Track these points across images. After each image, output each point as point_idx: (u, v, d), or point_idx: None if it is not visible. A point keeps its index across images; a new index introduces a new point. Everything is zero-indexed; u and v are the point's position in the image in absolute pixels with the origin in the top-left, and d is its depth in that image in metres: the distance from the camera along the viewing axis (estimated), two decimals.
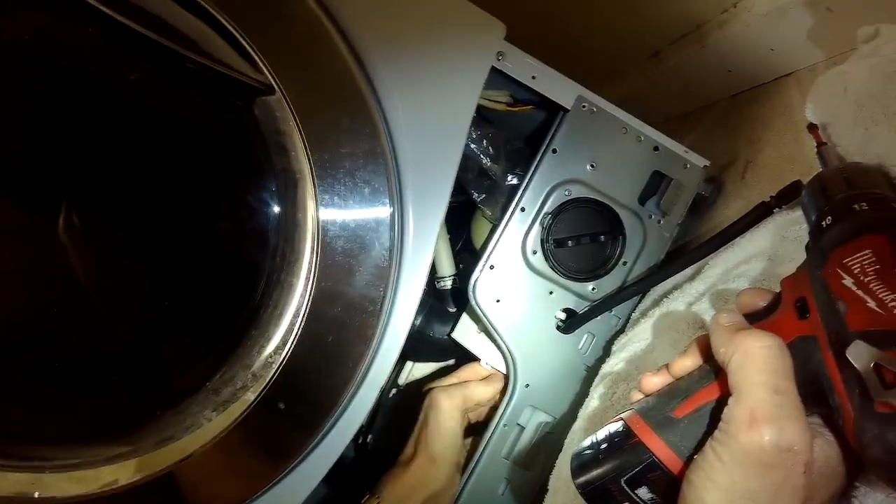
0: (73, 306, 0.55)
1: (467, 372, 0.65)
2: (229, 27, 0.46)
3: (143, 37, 0.43)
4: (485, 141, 0.63)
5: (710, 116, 0.76)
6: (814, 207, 0.36)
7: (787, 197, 0.49)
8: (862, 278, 0.30)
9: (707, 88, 0.76)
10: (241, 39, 0.46)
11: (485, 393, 0.62)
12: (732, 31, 0.61)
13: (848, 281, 0.30)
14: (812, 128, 0.43)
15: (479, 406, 0.64)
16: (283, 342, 0.49)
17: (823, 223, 0.34)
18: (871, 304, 0.28)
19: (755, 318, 0.36)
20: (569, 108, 0.59)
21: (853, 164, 0.39)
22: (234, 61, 0.47)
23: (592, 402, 0.54)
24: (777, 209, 0.50)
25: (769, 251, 0.48)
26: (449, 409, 0.60)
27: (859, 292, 0.29)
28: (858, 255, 0.31)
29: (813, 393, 0.31)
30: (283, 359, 0.48)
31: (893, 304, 0.28)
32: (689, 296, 0.53)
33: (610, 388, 0.53)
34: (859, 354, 0.27)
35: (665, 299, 0.56)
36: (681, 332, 0.50)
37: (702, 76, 0.72)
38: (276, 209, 0.51)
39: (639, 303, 0.63)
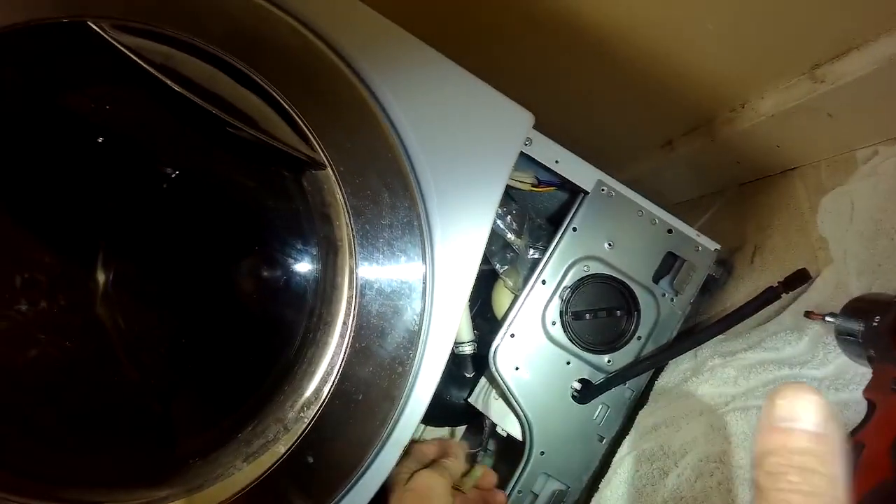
0: (105, 355, 0.58)
1: (438, 446, 0.63)
2: (289, 108, 0.51)
3: (205, 111, 0.49)
4: (509, 217, 0.68)
5: (721, 202, 0.81)
6: (854, 330, 0.40)
7: (793, 283, 0.53)
8: None
9: (717, 177, 0.81)
10: (297, 119, 0.52)
11: (460, 467, 0.61)
12: (740, 128, 0.66)
13: None
14: (809, 313, 0.46)
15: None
16: (316, 398, 0.52)
17: (874, 323, 0.38)
18: None
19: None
20: (589, 191, 0.63)
21: (847, 305, 0.43)
22: (289, 138, 0.52)
23: (616, 476, 0.55)
24: (784, 294, 0.53)
25: (807, 354, 0.49)
26: (445, 492, 0.57)
27: None
28: None
29: None
30: (315, 414, 0.51)
31: None
32: (719, 379, 0.54)
33: (634, 467, 0.55)
34: None
35: (693, 378, 0.58)
36: (706, 416, 0.52)
37: (712, 165, 0.77)
38: (317, 273, 0.55)
39: (653, 378, 0.65)
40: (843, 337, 0.41)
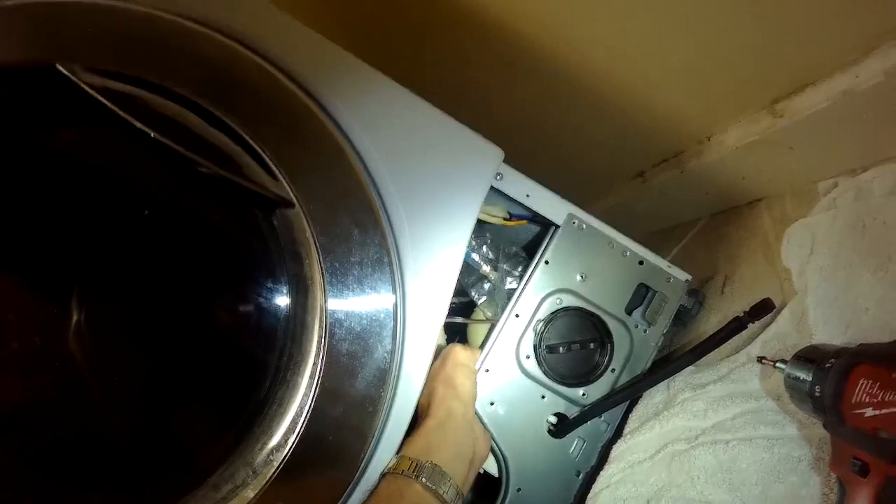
0: (77, 396, 0.57)
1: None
2: (258, 148, 0.52)
3: (175, 152, 0.49)
4: (485, 247, 0.68)
5: (693, 231, 0.82)
6: (801, 394, 0.40)
7: (758, 313, 0.53)
8: (875, 399, 0.33)
9: (687, 207, 0.82)
10: (267, 159, 0.52)
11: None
12: (707, 160, 0.67)
13: (868, 411, 0.33)
14: (761, 359, 0.47)
15: None
16: (285, 440, 0.51)
17: (816, 393, 0.38)
18: None
19: None
20: (560, 224, 0.64)
21: (799, 352, 0.44)
22: (259, 177, 0.53)
23: None
24: (750, 323, 0.54)
25: (774, 392, 0.50)
26: (465, 355, 0.60)
27: (883, 410, 0.32)
28: (857, 389, 0.34)
29: None
30: (285, 457, 0.50)
31: None
32: (689, 412, 0.55)
33: (610, 500, 0.55)
34: None
35: (665, 412, 0.58)
36: (676, 447, 0.52)
37: (682, 196, 0.79)
38: (288, 311, 0.54)
39: (628, 411, 0.65)
40: (791, 391, 0.42)
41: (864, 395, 0.33)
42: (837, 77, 0.49)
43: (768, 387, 0.47)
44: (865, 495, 0.32)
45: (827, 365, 0.37)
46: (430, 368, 0.57)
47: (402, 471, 0.50)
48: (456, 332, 0.77)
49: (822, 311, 0.44)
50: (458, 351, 0.60)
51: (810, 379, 0.39)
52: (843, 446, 0.35)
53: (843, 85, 0.49)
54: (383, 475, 0.52)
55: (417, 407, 0.56)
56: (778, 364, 0.43)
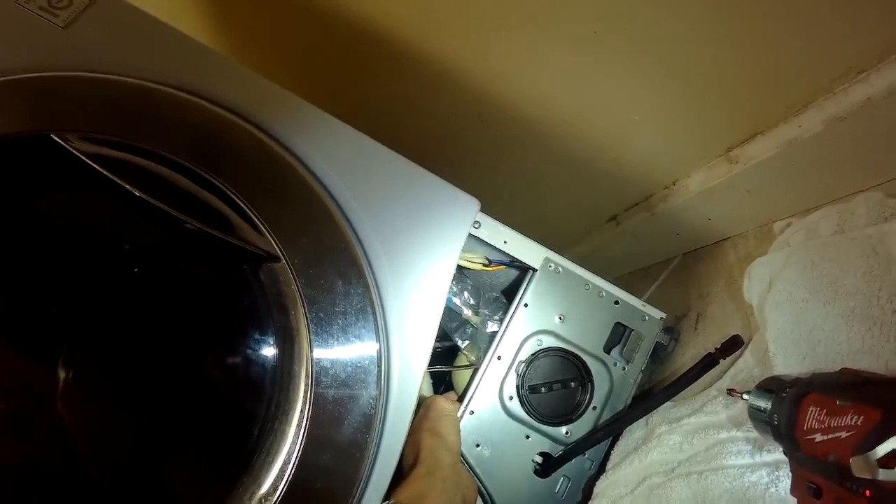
0: (65, 456, 0.57)
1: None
2: (245, 207, 0.55)
3: (163, 211, 0.52)
4: (466, 293, 0.71)
5: (668, 271, 0.85)
6: (762, 423, 0.43)
7: (728, 349, 0.56)
8: (823, 425, 0.35)
9: (660, 248, 0.86)
10: (253, 216, 0.55)
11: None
12: (674, 204, 0.71)
13: (818, 437, 0.35)
14: (730, 391, 0.50)
15: None
16: (274, 489, 0.52)
17: (775, 422, 0.41)
18: (843, 434, 0.33)
19: None
20: (537, 268, 0.67)
21: (760, 383, 0.46)
22: (246, 234, 0.55)
23: None
24: (721, 359, 0.56)
25: (741, 416, 0.51)
26: (448, 406, 0.62)
27: (829, 435, 0.34)
28: (807, 416, 0.37)
29: None
30: None
31: (851, 421, 0.33)
32: (666, 446, 0.56)
33: None
34: (864, 466, 0.30)
35: (644, 446, 0.60)
36: (654, 480, 0.54)
37: (654, 238, 0.82)
38: (274, 362, 0.56)
39: (611, 447, 0.66)
40: (753, 420, 0.44)
41: (814, 421, 0.35)
42: (782, 127, 0.53)
43: (737, 418, 0.50)
44: None
45: (783, 395, 0.40)
46: (413, 421, 0.59)
47: None
48: (441, 377, 0.78)
49: (781, 344, 0.46)
50: (441, 402, 0.62)
51: (769, 408, 0.41)
52: (800, 471, 0.37)
53: (788, 134, 0.53)
54: None
55: (401, 459, 0.57)
56: (744, 395, 0.46)
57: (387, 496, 0.55)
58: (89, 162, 0.51)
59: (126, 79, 0.55)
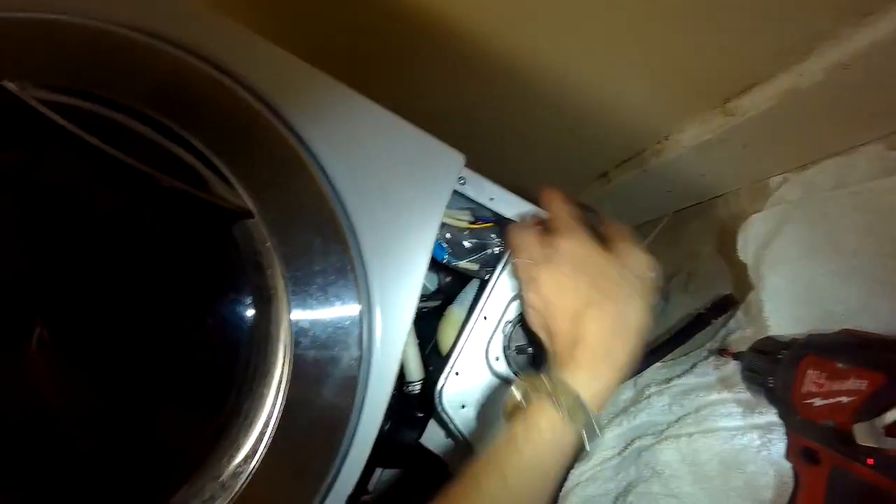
0: (38, 420, 0.56)
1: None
2: (215, 160, 0.52)
3: (131, 167, 0.49)
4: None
5: (657, 230, 0.83)
6: (756, 386, 0.41)
7: (720, 309, 0.55)
8: (822, 389, 0.34)
9: (651, 205, 0.84)
10: (224, 170, 0.52)
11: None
12: (667, 159, 0.69)
13: (817, 401, 0.34)
14: (721, 351, 0.48)
15: None
16: (253, 452, 0.51)
17: (770, 384, 0.39)
18: (843, 399, 0.32)
19: None
20: None
21: (754, 344, 0.45)
22: (217, 189, 0.52)
23: None
24: (713, 320, 0.55)
25: (733, 377, 0.50)
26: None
27: (829, 400, 0.33)
28: (805, 380, 0.35)
29: None
30: (253, 468, 0.49)
31: (853, 385, 0.31)
32: (655, 408, 0.56)
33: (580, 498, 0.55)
34: (868, 433, 0.29)
35: (632, 408, 0.59)
36: (643, 442, 0.53)
37: (645, 195, 0.80)
38: (251, 323, 0.54)
39: None
40: (747, 382, 0.43)
41: (812, 385, 0.34)
42: (782, 77, 0.51)
43: (728, 379, 0.49)
44: (816, 482, 0.33)
45: (779, 356, 0.38)
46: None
47: None
48: (427, 337, 0.77)
49: (776, 303, 0.45)
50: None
51: (764, 370, 0.40)
52: (796, 436, 0.36)
53: (787, 84, 0.50)
54: None
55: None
56: (736, 356, 0.44)
57: None
58: (46, 112, 0.48)
59: (81, 20, 0.51)
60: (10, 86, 0.48)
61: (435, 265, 0.61)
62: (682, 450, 0.46)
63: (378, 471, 0.80)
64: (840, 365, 0.32)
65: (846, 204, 0.42)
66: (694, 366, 0.53)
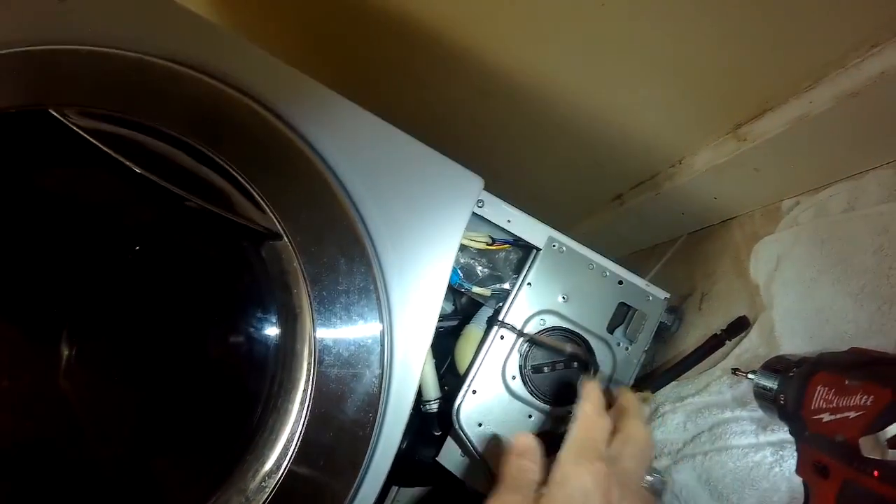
0: (68, 433, 0.57)
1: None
2: (246, 183, 0.54)
3: (164, 188, 0.51)
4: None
5: (671, 252, 0.85)
6: (768, 403, 0.42)
7: (734, 330, 0.56)
8: (831, 404, 0.35)
9: (665, 227, 0.85)
10: (254, 193, 0.54)
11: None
12: (680, 182, 0.70)
13: (826, 416, 0.35)
14: (734, 370, 0.49)
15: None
16: (277, 466, 0.52)
17: (781, 401, 0.40)
18: (851, 414, 0.33)
19: None
20: (541, 248, 0.66)
21: (766, 362, 0.46)
22: (247, 211, 0.54)
23: None
24: (727, 340, 0.56)
25: (746, 396, 0.51)
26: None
27: (838, 415, 0.34)
28: (815, 396, 0.36)
29: None
30: (277, 483, 0.51)
31: (860, 400, 0.32)
32: (670, 426, 0.57)
33: None
34: (873, 446, 0.30)
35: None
36: (661, 463, 0.54)
37: (659, 217, 0.81)
38: (277, 340, 0.56)
39: None
40: (759, 399, 0.43)
41: (822, 401, 0.35)
42: (793, 103, 0.52)
43: (741, 398, 0.49)
44: (826, 496, 0.34)
45: (790, 374, 0.39)
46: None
47: None
48: (444, 355, 0.78)
49: (788, 323, 0.46)
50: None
51: (776, 387, 0.41)
52: (807, 451, 0.37)
53: (798, 111, 0.52)
54: None
55: None
56: (749, 375, 0.45)
57: None
58: (88, 137, 0.51)
59: (124, 52, 0.54)
60: (55, 113, 0.51)
61: (450, 288, 0.63)
62: (698, 469, 0.47)
63: (394, 490, 0.81)
64: (849, 381, 0.33)
65: (857, 226, 0.43)
66: (708, 384, 0.54)
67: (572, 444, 0.45)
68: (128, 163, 0.51)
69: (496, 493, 0.47)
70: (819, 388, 0.36)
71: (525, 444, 0.50)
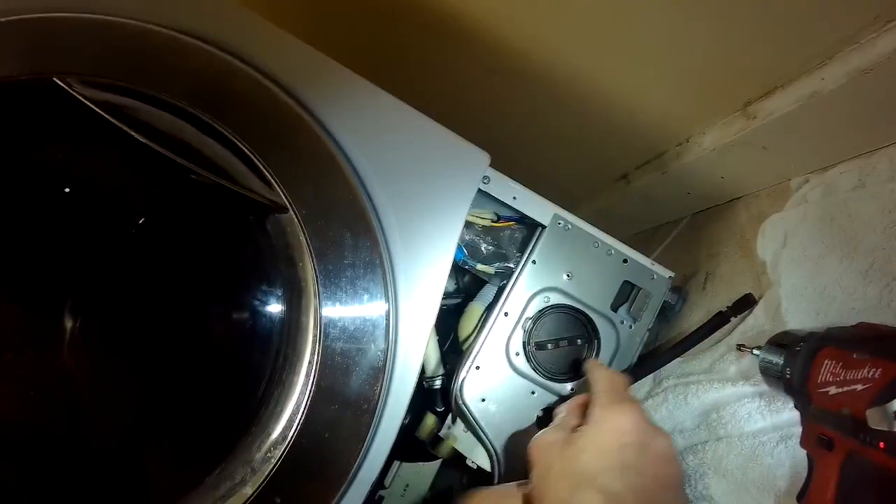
0: (71, 405, 0.58)
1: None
2: (251, 156, 0.54)
3: (169, 159, 0.50)
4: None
5: (677, 230, 0.84)
6: (774, 377, 0.42)
7: (740, 308, 0.56)
8: (838, 378, 0.35)
9: (670, 207, 0.85)
10: (260, 165, 0.54)
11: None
12: (687, 161, 0.70)
13: (832, 389, 0.35)
14: (739, 346, 0.49)
15: None
16: (283, 438, 0.52)
17: (787, 375, 0.40)
18: (858, 387, 0.33)
19: None
20: (546, 225, 0.66)
21: (772, 337, 0.46)
22: (252, 184, 0.54)
23: None
24: (733, 317, 0.56)
25: (749, 371, 0.51)
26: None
27: (844, 388, 0.34)
28: (822, 369, 0.36)
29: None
30: (282, 454, 0.51)
31: (868, 373, 0.33)
32: (672, 402, 0.57)
33: None
34: (880, 417, 0.30)
35: (649, 400, 0.61)
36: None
37: (665, 197, 0.81)
38: (282, 314, 0.56)
39: None
40: (765, 374, 0.44)
41: (829, 374, 0.35)
42: (804, 80, 0.52)
43: (746, 374, 0.50)
44: (830, 468, 0.34)
45: (797, 349, 0.39)
46: None
47: None
48: (446, 332, 0.78)
49: (794, 300, 0.46)
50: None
51: (781, 362, 0.41)
52: (811, 424, 0.37)
53: (809, 88, 0.51)
54: None
55: None
56: (754, 350, 0.45)
57: None
58: (93, 107, 0.50)
59: (128, 20, 0.53)
60: (60, 82, 0.50)
61: (453, 266, 0.63)
62: (699, 455, 0.47)
63: (396, 464, 0.81)
64: (856, 355, 0.34)
65: (867, 204, 0.43)
66: (713, 361, 0.54)
67: (601, 393, 0.50)
68: (133, 133, 0.50)
69: (543, 431, 0.52)
70: (826, 361, 0.36)
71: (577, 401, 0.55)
